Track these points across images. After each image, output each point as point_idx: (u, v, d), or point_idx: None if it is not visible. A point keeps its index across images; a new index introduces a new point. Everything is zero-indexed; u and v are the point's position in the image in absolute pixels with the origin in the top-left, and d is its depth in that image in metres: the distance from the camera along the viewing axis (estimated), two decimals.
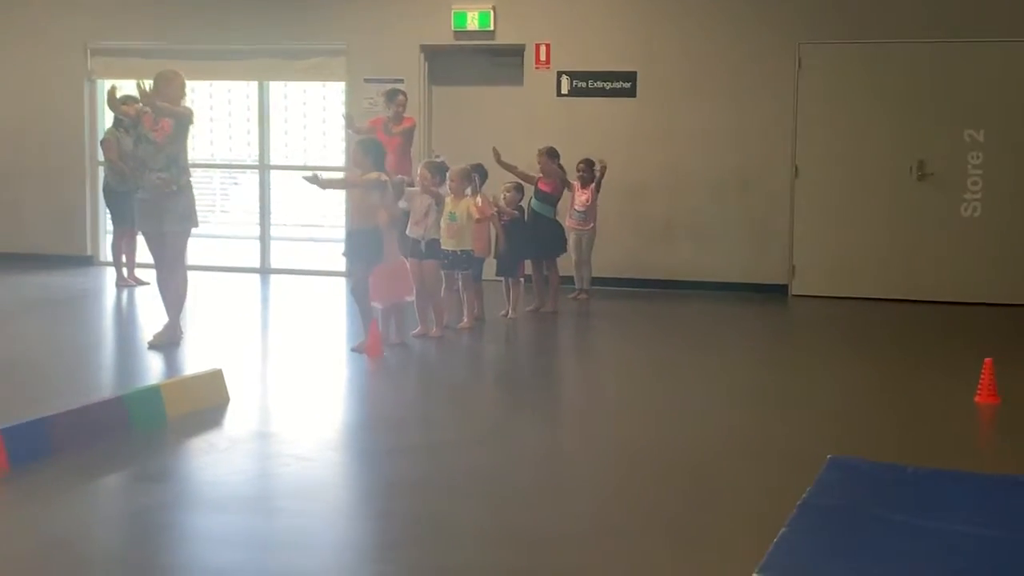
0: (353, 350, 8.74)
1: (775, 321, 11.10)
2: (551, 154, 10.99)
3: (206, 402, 6.95)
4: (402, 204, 9.26)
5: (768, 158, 12.12)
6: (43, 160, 13.74)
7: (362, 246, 8.71)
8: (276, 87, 13.93)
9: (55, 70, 13.66)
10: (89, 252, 13.81)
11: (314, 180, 8.59)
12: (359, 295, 8.91)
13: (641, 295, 12.07)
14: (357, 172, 8.82)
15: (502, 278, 10.57)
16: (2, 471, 5.55)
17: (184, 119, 8.78)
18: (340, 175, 9.36)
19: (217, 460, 6.10)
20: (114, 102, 9.18)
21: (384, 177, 8.63)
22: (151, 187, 8.73)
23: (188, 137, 8.93)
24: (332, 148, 14.16)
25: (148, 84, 8.69)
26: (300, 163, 13.96)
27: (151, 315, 9.75)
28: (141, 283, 11.92)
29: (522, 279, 10.71)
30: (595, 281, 11.84)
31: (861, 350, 9.47)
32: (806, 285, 12.14)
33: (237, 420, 6.82)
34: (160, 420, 6.55)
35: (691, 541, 4.90)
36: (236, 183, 17.12)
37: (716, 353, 9.22)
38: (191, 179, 8.94)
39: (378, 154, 8.78)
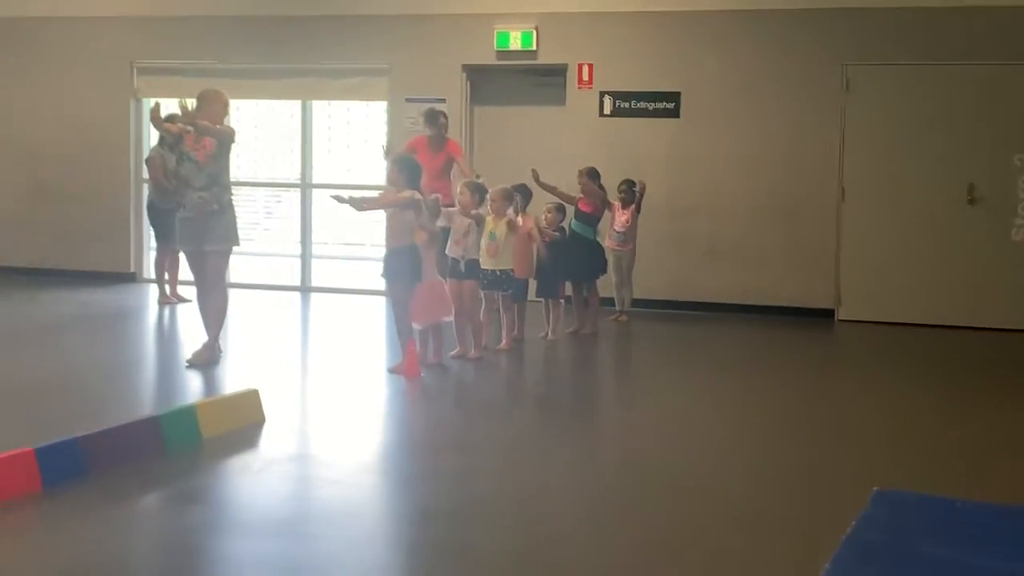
0: (390, 371, 8.67)
1: (821, 346, 10.92)
2: (592, 174, 10.90)
3: (242, 422, 6.89)
4: (442, 223, 9.20)
5: (814, 180, 11.97)
6: (89, 177, 13.81)
7: (399, 265, 8.64)
8: (320, 106, 13.95)
9: (101, 88, 13.73)
10: (132, 269, 13.86)
11: (348, 201, 8.54)
12: (398, 315, 8.84)
13: (683, 318, 11.93)
14: (392, 190, 8.78)
15: (542, 299, 10.49)
16: (35, 491, 5.52)
17: (226, 138, 8.76)
18: (374, 195, 9.27)
19: (251, 482, 6.04)
20: (157, 120, 9.17)
21: (418, 196, 8.57)
22: (193, 206, 8.72)
23: (230, 156, 8.91)
24: (375, 167, 14.15)
25: (190, 103, 8.69)
26: (343, 182, 13.97)
27: (192, 333, 9.73)
28: (183, 300, 11.92)
29: (562, 300, 10.62)
30: (636, 303, 11.72)
31: (910, 377, 9.28)
32: (853, 310, 11.95)
33: (272, 441, 6.76)
34: (195, 440, 6.50)
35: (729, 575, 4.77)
36: (280, 201, 17.16)
37: (759, 379, 9.08)
38: (233, 198, 8.92)
39: (412, 172, 8.72)
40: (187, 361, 8.81)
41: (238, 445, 6.58)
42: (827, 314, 11.96)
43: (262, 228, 18.11)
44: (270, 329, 11.11)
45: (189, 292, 11.45)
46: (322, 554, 4.90)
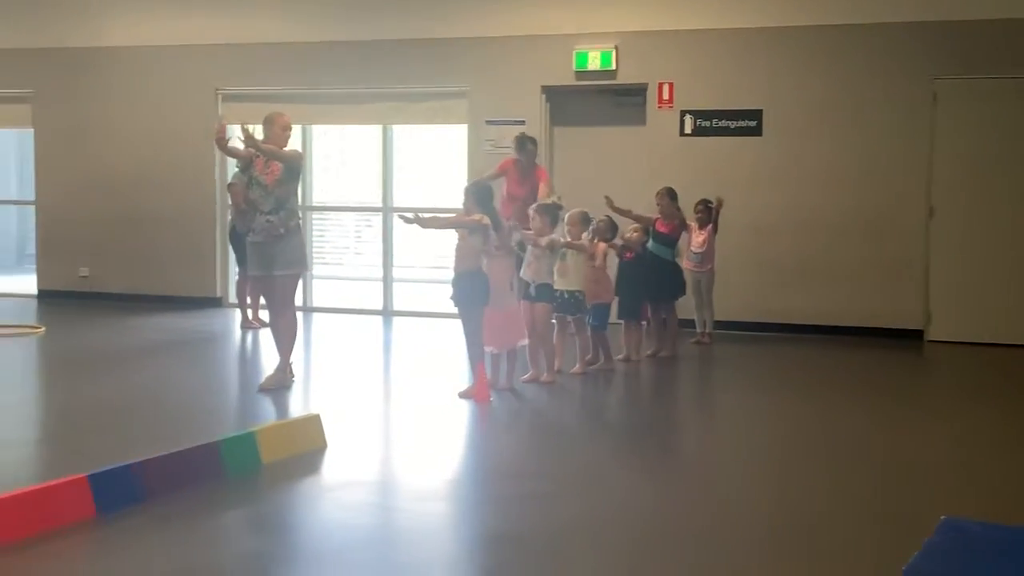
0: (460, 396, 8.59)
1: (908, 369, 10.60)
2: (671, 195, 10.75)
3: (304, 447, 6.87)
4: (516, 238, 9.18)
5: (901, 197, 11.67)
6: (175, 204, 14.01)
7: (466, 289, 8.60)
8: (406, 129, 13.99)
9: (186, 115, 13.93)
10: (219, 294, 14.00)
11: (414, 220, 8.53)
12: (468, 339, 8.79)
13: (766, 340, 11.69)
14: (462, 213, 8.75)
15: (622, 321, 10.35)
16: (89, 517, 5.53)
17: (293, 163, 8.79)
18: (445, 216, 9.25)
19: (305, 508, 6.02)
20: (222, 141, 9.11)
21: (486, 220, 8.51)
22: (260, 230, 8.76)
23: (297, 181, 8.95)
24: (457, 190, 14.14)
25: (251, 127, 8.73)
26: (427, 205, 13.97)
27: (270, 357, 9.76)
28: (265, 325, 11.95)
29: (644, 323, 10.48)
30: (719, 324, 11.54)
31: (1001, 401, 8.95)
32: (943, 330, 11.62)
33: (332, 467, 6.71)
34: (255, 466, 6.49)
35: None
36: (370, 225, 17.24)
37: (840, 403, 8.82)
38: (300, 222, 8.95)
39: (481, 196, 8.70)
40: (260, 386, 8.84)
41: (298, 471, 6.54)
42: (916, 335, 11.64)
43: (352, 252, 18.26)
44: (347, 353, 11.11)
45: (265, 316, 11.56)
46: None
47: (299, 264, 8.86)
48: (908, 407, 8.80)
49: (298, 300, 13.46)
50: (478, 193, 8.71)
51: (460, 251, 8.65)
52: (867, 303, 11.81)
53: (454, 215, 9.02)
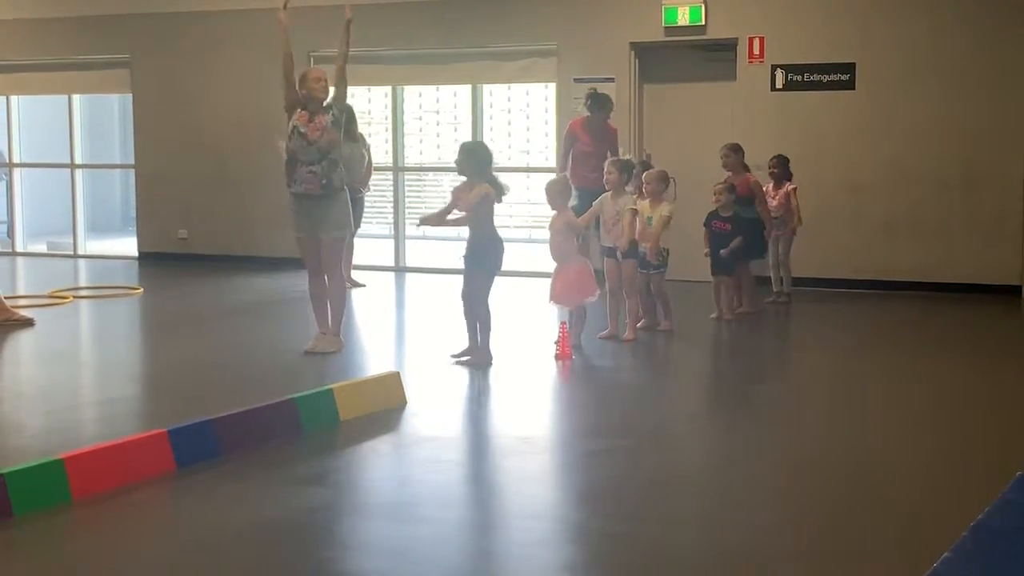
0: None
1: (1003, 325, 10.34)
2: (736, 149, 10.43)
3: (383, 404, 6.93)
4: (573, 203, 9.09)
5: (998, 150, 11.38)
6: (269, 166, 13.94)
7: (476, 251, 8.39)
8: (501, 89, 14.02)
9: (279, 78, 14.00)
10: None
11: (422, 222, 8.56)
12: (472, 299, 8.56)
13: (859, 296, 11.52)
14: (463, 189, 8.25)
15: (712, 280, 10.19)
16: (169, 471, 5.68)
17: (338, 112, 8.72)
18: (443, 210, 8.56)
19: (378, 464, 6.12)
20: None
21: (488, 189, 8.10)
22: (301, 180, 8.33)
23: (342, 131, 8.73)
24: (546, 148, 14.13)
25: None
26: (517, 165, 13.99)
27: (356, 313, 9.86)
28: (357, 285, 12.12)
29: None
30: (813, 281, 11.40)
31: None
32: None
33: (409, 423, 6.78)
34: (333, 422, 6.59)
35: (850, 561, 4.56)
36: None
37: (932, 359, 8.74)
38: (344, 179, 8.71)
39: (476, 157, 8.23)
40: (306, 350, 8.58)
41: (373, 428, 6.62)
42: (1014, 290, 11.36)
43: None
44: (436, 313, 11.17)
45: (362, 277, 11.74)
46: (426, 537, 4.89)
47: (346, 226, 8.57)
48: (1002, 363, 8.61)
49: (391, 261, 13.72)
50: (471, 154, 8.25)
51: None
52: (963, 259, 11.56)
53: (456, 197, 8.30)
